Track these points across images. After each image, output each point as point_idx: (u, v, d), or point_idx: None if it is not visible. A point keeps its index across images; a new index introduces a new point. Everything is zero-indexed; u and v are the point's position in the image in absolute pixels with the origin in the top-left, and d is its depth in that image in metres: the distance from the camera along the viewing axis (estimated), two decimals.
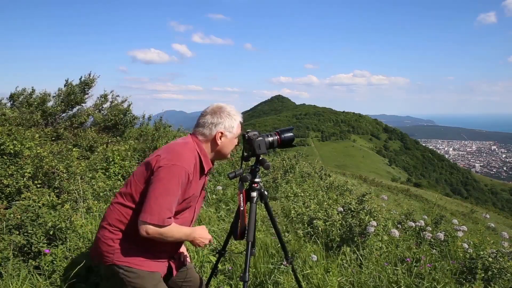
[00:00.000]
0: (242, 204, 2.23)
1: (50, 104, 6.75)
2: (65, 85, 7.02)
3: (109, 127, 7.05)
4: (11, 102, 6.88)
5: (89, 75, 7.30)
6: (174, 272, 2.18)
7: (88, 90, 7.22)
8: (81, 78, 7.21)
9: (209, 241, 2.13)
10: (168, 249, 2.05)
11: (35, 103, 6.53)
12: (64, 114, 6.98)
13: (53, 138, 5.83)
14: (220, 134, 2.03)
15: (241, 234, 2.27)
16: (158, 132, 6.74)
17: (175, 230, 1.90)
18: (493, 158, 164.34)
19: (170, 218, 1.83)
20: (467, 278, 3.19)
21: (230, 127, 2.04)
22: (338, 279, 3.10)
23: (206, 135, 2.03)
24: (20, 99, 6.81)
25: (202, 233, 2.09)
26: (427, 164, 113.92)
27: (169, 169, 1.84)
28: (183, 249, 2.30)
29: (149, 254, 1.97)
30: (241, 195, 2.25)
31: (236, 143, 2.14)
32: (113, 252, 1.91)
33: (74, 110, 7.10)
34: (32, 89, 6.97)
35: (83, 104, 7.14)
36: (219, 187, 5.12)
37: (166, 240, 1.89)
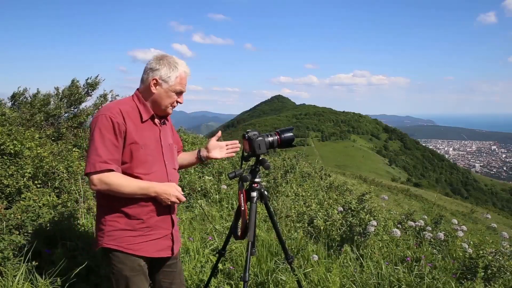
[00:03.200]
0: (243, 204, 2.23)
1: (51, 104, 6.76)
2: (70, 85, 7.04)
3: None
4: (12, 102, 6.88)
5: (96, 77, 7.37)
6: (175, 250, 2.08)
7: (91, 92, 7.25)
8: (87, 79, 7.27)
9: (179, 200, 1.96)
10: (155, 219, 1.96)
11: (38, 105, 6.53)
12: (66, 114, 6.98)
13: (53, 138, 5.83)
14: (154, 82, 1.94)
15: (243, 234, 2.27)
16: None
17: (122, 180, 1.84)
18: (493, 158, 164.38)
19: (104, 163, 1.80)
20: (467, 277, 3.19)
21: (166, 76, 1.93)
22: (340, 279, 3.10)
23: (143, 81, 1.98)
24: (21, 99, 6.81)
25: (166, 189, 1.92)
26: (427, 164, 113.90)
27: (92, 124, 1.88)
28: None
29: (137, 231, 1.92)
30: (242, 195, 2.25)
31: (177, 99, 2.01)
32: (103, 234, 1.91)
33: (75, 110, 7.10)
34: (38, 90, 6.99)
35: (83, 104, 7.16)
36: (224, 186, 5.12)
37: (120, 193, 1.83)
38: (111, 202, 1.90)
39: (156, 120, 2.02)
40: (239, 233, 2.30)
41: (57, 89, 6.93)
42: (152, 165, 1.95)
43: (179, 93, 2.01)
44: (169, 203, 1.96)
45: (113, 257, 1.92)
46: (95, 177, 1.80)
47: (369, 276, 3.13)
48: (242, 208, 2.23)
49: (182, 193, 2.00)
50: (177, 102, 2.02)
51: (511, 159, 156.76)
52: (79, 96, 6.92)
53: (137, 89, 2.03)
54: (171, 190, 1.94)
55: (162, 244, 2.02)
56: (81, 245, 2.86)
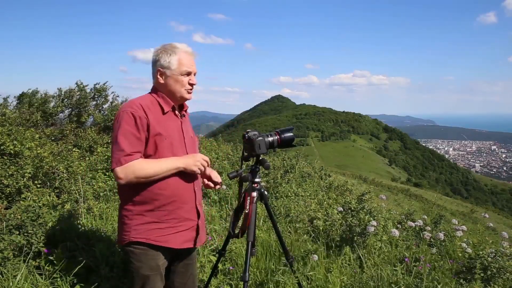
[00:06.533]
0: (247, 207, 2.22)
1: (52, 105, 6.81)
2: (76, 88, 7.14)
3: (110, 127, 7.06)
4: (17, 102, 6.97)
5: (104, 84, 7.52)
6: (198, 242, 2.08)
7: (98, 98, 7.40)
8: (95, 84, 7.42)
9: (207, 163, 2.01)
10: (180, 210, 1.98)
11: (36, 104, 6.58)
12: (62, 114, 7.04)
13: (52, 138, 5.84)
14: (159, 73, 1.96)
15: (242, 233, 2.26)
16: None
17: (148, 165, 1.86)
18: (493, 158, 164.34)
19: (127, 156, 1.82)
20: (466, 278, 3.18)
21: (166, 63, 1.93)
22: (340, 279, 3.10)
23: (153, 75, 2.01)
24: (25, 100, 6.89)
25: (190, 160, 1.96)
26: (427, 164, 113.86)
27: (115, 121, 1.91)
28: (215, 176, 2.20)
29: (164, 223, 1.93)
30: (248, 197, 2.24)
31: (188, 81, 1.99)
32: (129, 229, 1.92)
33: (77, 111, 7.17)
34: (36, 89, 7.08)
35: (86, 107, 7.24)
36: (223, 186, 5.11)
37: (146, 176, 1.85)
38: (136, 196, 1.91)
39: (177, 112, 2.04)
40: (237, 232, 2.29)
41: (60, 90, 6.98)
42: (175, 156, 1.97)
43: (188, 74, 1.99)
44: (202, 169, 1.99)
45: (132, 254, 1.93)
46: (119, 170, 1.82)
47: (368, 277, 3.13)
48: (246, 211, 2.22)
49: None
50: (190, 84, 2.01)
51: (511, 159, 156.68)
52: (84, 99, 7.00)
53: (153, 85, 2.05)
54: (197, 157, 1.99)
55: (187, 236, 2.03)
56: (81, 245, 2.87)
